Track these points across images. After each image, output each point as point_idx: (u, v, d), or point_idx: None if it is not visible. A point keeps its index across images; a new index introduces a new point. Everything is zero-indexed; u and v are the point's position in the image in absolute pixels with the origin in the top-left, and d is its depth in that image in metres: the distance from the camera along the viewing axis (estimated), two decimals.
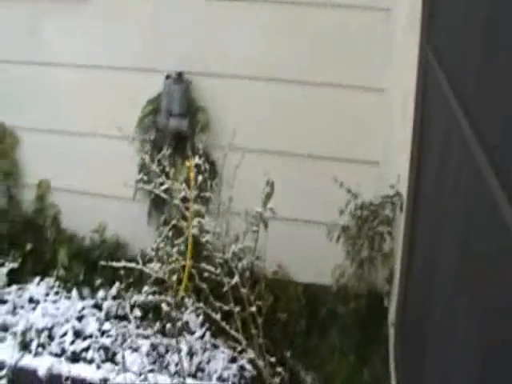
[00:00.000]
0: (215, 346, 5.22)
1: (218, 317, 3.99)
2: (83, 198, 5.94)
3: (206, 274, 4.44)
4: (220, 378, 5.05)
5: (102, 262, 4.32)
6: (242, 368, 5.06)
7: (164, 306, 5.15)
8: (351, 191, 5.04)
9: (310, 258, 5.61)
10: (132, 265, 4.63)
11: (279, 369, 4.07)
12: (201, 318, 5.30)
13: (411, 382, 4.15)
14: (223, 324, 3.99)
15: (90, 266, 5.71)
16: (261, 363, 3.95)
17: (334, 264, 5.32)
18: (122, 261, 4.53)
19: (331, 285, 5.38)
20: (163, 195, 4.66)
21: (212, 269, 4.34)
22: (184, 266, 5.15)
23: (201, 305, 4.56)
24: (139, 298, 5.35)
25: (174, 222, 4.89)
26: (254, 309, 3.90)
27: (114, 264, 4.54)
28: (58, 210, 6.00)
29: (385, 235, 5.08)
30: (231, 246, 4.18)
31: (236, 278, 4.02)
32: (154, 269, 4.51)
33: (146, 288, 5.09)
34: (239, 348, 4.00)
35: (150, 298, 4.81)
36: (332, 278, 5.38)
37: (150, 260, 4.83)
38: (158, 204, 5.62)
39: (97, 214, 5.91)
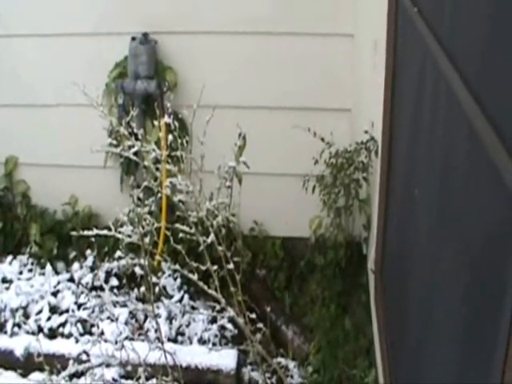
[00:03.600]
0: (194, 308, 4.92)
1: (195, 277, 3.65)
2: (53, 172, 5.56)
3: (181, 235, 4.12)
4: (200, 341, 4.74)
5: (74, 233, 3.96)
6: (222, 328, 4.75)
7: (138, 270, 4.87)
8: (324, 140, 4.74)
9: (286, 211, 5.30)
10: (103, 232, 4.28)
11: (260, 325, 3.78)
12: (178, 281, 4.98)
13: (393, 328, 3.90)
14: (201, 284, 3.66)
15: (64, 239, 5.36)
16: (241, 321, 3.64)
17: (311, 216, 5.05)
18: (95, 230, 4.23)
19: (309, 237, 5.14)
20: (134, 158, 4.34)
21: (187, 229, 4.03)
22: (159, 230, 4.85)
23: (177, 267, 4.27)
24: (113, 264, 5.07)
25: (145, 183, 4.57)
26: (231, 266, 3.58)
27: (86, 233, 4.18)
28: (27, 187, 5.63)
29: (361, 181, 4.76)
30: (205, 204, 3.84)
31: (212, 237, 3.68)
32: (126, 233, 4.16)
33: (119, 253, 4.81)
34: (218, 307, 3.68)
35: (123, 262, 4.51)
36: (309, 230, 5.13)
37: (123, 225, 4.53)
38: (129, 169, 5.25)
39: (68, 187, 5.54)
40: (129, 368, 4.59)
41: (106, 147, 4.67)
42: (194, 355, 4.57)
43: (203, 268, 3.87)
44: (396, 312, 3.86)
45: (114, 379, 4.58)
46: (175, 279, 4.98)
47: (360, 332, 4.64)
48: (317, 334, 4.72)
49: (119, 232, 4.17)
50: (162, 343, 4.48)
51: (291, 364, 4.71)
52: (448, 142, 2.67)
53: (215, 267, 3.79)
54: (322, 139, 4.69)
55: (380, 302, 4.32)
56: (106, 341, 4.73)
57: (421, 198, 3.15)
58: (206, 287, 3.88)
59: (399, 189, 3.91)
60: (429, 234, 3.05)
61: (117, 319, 4.80)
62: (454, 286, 2.52)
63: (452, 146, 2.60)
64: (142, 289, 4.48)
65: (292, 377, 4.50)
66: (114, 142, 4.63)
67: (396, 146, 4.06)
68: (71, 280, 5.14)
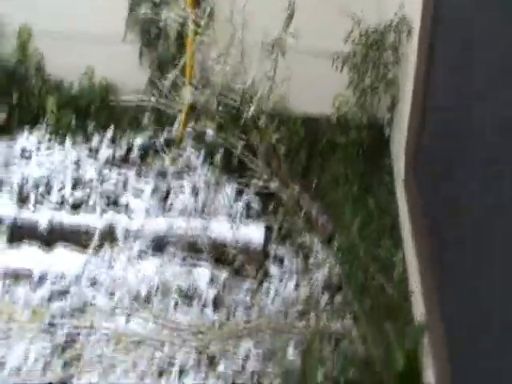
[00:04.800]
0: (218, 184, 4.88)
1: (239, 144, 3.55)
2: (68, 43, 5.29)
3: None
4: (228, 214, 4.72)
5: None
6: (248, 203, 4.74)
7: (160, 144, 4.79)
8: (355, 18, 4.62)
9: (311, 90, 5.17)
10: (129, 97, 4.13)
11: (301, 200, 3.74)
12: (202, 155, 4.91)
13: (434, 215, 3.89)
14: (243, 154, 3.56)
15: (81, 113, 5.17)
16: (285, 192, 3.60)
17: (336, 94, 4.98)
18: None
19: (331, 116, 5.06)
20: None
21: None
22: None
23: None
24: (136, 139, 4.99)
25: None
26: (276, 137, 3.51)
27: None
28: (41, 57, 5.38)
29: (389, 63, 4.71)
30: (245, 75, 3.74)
31: (252, 109, 3.59)
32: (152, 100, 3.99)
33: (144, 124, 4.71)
34: (259, 179, 3.60)
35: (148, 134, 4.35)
36: (333, 108, 5.04)
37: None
38: (150, 42, 5.07)
39: (83, 59, 5.26)
40: (156, 242, 4.61)
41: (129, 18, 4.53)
42: (221, 230, 4.56)
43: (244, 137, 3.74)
44: (434, 190, 3.86)
45: (141, 251, 4.56)
46: (199, 153, 4.89)
47: (384, 213, 4.65)
48: (341, 213, 4.71)
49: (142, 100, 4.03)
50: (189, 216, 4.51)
51: (316, 242, 4.70)
52: None
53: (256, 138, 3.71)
54: (353, 17, 4.58)
55: (411, 185, 4.32)
56: (131, 214, 4.71)
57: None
58: (246, 158, 3.77)
59: (446, 70, 3.81)
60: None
61: (142, 192, 4.76)
62: None
63: None
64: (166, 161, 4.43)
65: (317, 254, 4.51)
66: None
67: (443, 30, 3.95)
68: (91, 153, 5.02)
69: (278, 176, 3.59)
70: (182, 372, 3.85)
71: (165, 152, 4.87)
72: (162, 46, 4.93)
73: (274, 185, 3.58)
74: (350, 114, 4.98)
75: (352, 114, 4.97)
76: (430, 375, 3.42)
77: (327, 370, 3.55)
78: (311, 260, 4.44)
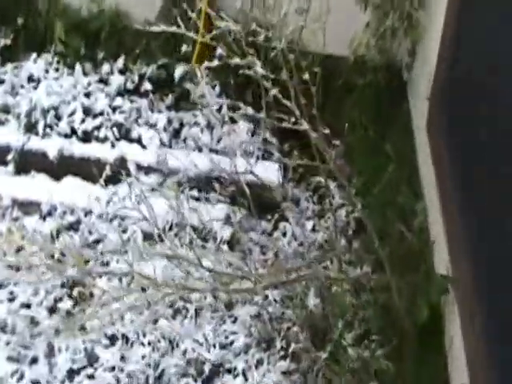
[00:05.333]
0: (233, 121, 4.72)
1: (268, 85, 3.37)
2: None
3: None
4: (243, 152, 4.58)
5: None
6: (265, 140, 4.58)
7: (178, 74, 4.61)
8: None
9: (329, 28, 4.98)
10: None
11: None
12: (217, 89, 4.72)
13: (460, 148, 3.77)
14: (274, 91, 3.37)
15: (91, 39, 4.93)
16: (314, 135, 3.45)
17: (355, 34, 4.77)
18: None
19: (349, 56, 4.87)
20: None
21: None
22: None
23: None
24: (149, 70, 4.79)
25: None
26: (307, 76, 3.33)
27: None
28: None
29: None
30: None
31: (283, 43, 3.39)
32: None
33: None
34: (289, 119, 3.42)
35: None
36: (349, 49, 4.82)
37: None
38: None
39: None
40: (169, 177, 4.47)
41: None
42: (238, 167, 4.40)
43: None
44: (470, 145, 3.70)
45: (153, 189, 4.42)
46: (214, 88, 4.72)
47: (402, 159, 4.52)
48: (357, 156, 4.58)
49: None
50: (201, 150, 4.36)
51: (332, 185, 4.57)
52: None
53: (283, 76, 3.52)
54: None
55: (435, 131, 4.17)
56: (144, 147, 4.56)
57: None
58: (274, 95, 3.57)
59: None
60: None
61: (155, 125, 4.60)
62: None
63: None
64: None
65: (333, 197, 4.39)
66: None
67: None
68: (102, 81, 4.81)
69: (308, 116, 3.41)
70: (197, 313, 3.79)
71: (178, 84, 4.69)
72: None
73: (304, 125, 3.39)
74: (367, 55, 4.78)
75: (370, 56, 4.78)
76: (454, 329, 3.37)
77: (348, 317, 3.50)
78: (327, 203, 4.31)
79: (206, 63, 3.99)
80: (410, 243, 3.83)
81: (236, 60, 3.48)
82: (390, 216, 3.96)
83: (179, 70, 4.75)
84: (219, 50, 3.70)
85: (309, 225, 4.26)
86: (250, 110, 4.43)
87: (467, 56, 3.88)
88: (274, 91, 3.37)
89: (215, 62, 3.73)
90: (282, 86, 3.43)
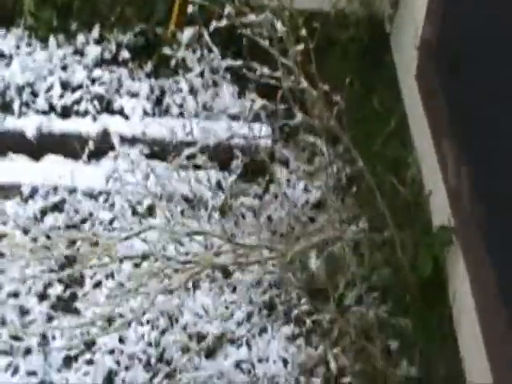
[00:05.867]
0: (216, 84, 4.56)
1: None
2: None
3: None
4: (230, 116, 4.43)
5: None
6: (252, 101, 4.40)
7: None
8: None
9: None
10: None
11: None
12: (198, 53, 4.55)
13: (455, 95, 3.65)
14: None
15: (62, 9, 4.70)
16: (314, 92, 3.32)
17: None
18: None
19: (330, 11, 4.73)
20: None
21: None
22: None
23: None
24: (125, 37, 4.62)
25: None
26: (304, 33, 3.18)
27: None
28: None
29: None
30: None
31: None
32: None
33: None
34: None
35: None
36: (330, 3, 4.70)
37: None
38: None
39: None
40: (155, 147, 4.34)
41: None
42: (225, 132, 4.27)
43: None
44: (465, 91, 3.57)
45: (137, 160, 4.28)
46: (194, 51, 4.54)
47: (390, 112, 4.40)
48: (344, 111, 4.44)
49: None
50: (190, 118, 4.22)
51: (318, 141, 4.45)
52: None
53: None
54: None
55: (427, 79, 4.03)
56: (127, 118, 4.40)
57: None
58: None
59: None
60: None
61: (137, 94, 4.43)
62: None
63: None
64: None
65: (323, 155, 4.27)
66: None
67: None
68: (78, 53, 4.62)
69: (305, 73, 3.28)
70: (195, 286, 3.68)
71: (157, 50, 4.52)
72: None
73: (302, 84, 3.26)
74: (349, 9, 4.71)
75: (351, 9, 4.70)
76: (459, 280, 3.29)
77: (349, 277, 3.41)
78: (317, 161, 4.19)
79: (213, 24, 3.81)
80: (405, 196, 3.73)
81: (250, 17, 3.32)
82: (381, 170, 3.84)
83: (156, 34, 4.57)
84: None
85: (301, 185, 4.13)
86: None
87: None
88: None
89: (223, 22, 3.57)
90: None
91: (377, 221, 3.50)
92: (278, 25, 3.19)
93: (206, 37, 4.07)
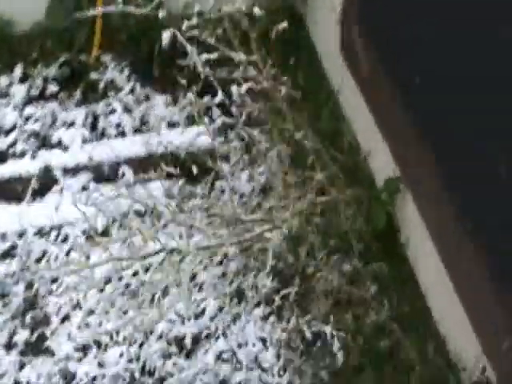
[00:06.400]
0: (148, 98, 4.61)
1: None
2: None
3: None
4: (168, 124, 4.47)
5: None
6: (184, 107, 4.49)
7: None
8: None
9: None
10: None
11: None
12: (126, 71, 4.60)
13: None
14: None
15: None
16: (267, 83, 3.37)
17: None
18: None
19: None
20: None
21: None
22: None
23: None
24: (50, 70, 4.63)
25: None
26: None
27: None
28: None
29: None
30: None
31: None
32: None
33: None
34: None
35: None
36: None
37: None
38: None
39: None
40: (100, 171, 4.35)
41: None
42: (167, 140, 4.31)
43: None
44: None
45: (83, 187, 4.30)
46: (122, 71, 4.59)
47: (316, 88, 4.48)
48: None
49: None
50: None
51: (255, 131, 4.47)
52: None
53: None
54: None
55: (352, 53, 4.11)
56: (66, 148, 4.41)
57: None
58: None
59: None
60: None
61: (72, 124, 4.45)
62: None
63: None
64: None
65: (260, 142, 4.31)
66: None
67: None
68: (3, 96, 4.54)
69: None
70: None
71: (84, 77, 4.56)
72: None
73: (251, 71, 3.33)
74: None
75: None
76: (413, 226, 3.36)
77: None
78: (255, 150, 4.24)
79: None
80: (345, 162, 3.79)
81: None
82: (319, 143, 3.89)
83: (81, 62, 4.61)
84: None
85: (244, 175, 4.19)
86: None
87: None
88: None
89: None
90: None
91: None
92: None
93: None
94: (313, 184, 3.47)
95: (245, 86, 3.41)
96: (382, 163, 3.64)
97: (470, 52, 2.89)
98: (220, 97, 3.63)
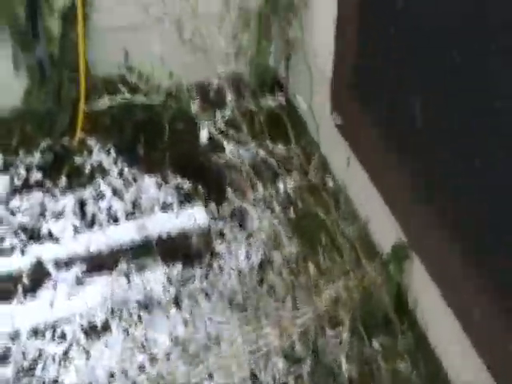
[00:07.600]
0: (135, 180, 4.47)
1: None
2: None
3: None
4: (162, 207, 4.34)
5: None
6: (178, 187, 4.37)
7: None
8: None
9: None
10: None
11: None
12: (112, 154, 4.47)
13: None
14: None
15: None
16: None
17: None
18: None
19: None
20: None
21: None
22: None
23: None
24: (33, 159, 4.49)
25: None
26: None
27: None
28: None
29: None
30: None
31: None
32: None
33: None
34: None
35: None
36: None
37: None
38: (26, 44, 4.36)
39: None
40: (95, 261, 4.17)
41: None
42: (162, 223, 4.17)
43: None
44: None
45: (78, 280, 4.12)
46: (108, 153, 4.46)
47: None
48: None
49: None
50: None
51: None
52: None
53: None
54: None
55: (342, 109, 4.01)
56: (57, 240, 4.23)
57: None
58: None
59: None
60: None
61: (61, 213, 4.28)
62: None
63: None
64: None
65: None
66: None
67: None
68: None
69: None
70: None
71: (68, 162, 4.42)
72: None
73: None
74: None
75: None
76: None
77: None
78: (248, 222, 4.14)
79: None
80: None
81: None
82: None
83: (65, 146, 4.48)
84: None
85: (242, 251, 4.04)
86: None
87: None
88: None
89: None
90: None
91: None
92: None
93: None
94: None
95: None
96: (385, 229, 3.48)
97: (464, 114, 2.82)
98: None
